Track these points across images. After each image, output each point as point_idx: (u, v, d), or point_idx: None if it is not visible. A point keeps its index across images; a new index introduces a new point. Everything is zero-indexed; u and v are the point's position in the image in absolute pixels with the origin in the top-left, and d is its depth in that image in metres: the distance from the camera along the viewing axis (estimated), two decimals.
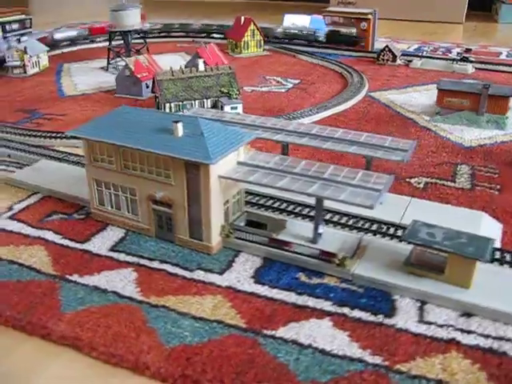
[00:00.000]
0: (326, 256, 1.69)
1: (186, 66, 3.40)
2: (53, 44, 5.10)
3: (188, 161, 1.69)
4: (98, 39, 5.46)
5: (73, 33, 5.40)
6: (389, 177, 1.73)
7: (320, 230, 1.78)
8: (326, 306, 1.57)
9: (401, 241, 1.74)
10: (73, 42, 5.39)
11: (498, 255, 1.79)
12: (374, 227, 1.92)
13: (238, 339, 1.45)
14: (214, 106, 3.13)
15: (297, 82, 4.05)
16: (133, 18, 4.17)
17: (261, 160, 1.85)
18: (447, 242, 1.59)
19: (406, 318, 1.53)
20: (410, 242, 1.63)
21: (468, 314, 1.55)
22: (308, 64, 4.68)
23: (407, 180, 2.38)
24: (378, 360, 1.38)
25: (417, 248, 1.65)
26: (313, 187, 1.66)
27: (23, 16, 5.42)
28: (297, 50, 5.06)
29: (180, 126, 1.76)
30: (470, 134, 2.98)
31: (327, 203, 1.75)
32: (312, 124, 2.48)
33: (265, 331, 1.48)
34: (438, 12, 7.26)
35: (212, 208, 1.75)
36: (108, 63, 4.49)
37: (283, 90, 3.81)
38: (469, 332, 1.49)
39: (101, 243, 1.91)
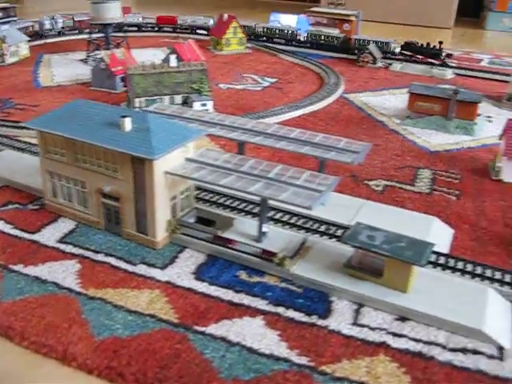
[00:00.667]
0: (267, 255, 1.69)
1: (163, 62, 3.40)
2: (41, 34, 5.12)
3: (133, 155, 1.69)
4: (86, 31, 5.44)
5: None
6: (334, 178, 1.74)
7: (264, 229, 1.78)
8: (262, 304, 1.57)
9: (341, 242, 1.74)
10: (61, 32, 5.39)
11: (442, 261, 1.79)
12: (323, 228, 1.92)
13: (168, 334, 1.45)
14: (185, 102, 3.13)
15: (274, 80, 4.05)
16: (113, 11, 4.16)
17: (210, 157, 1.85)
18: (386, 245, 1.59)
19: (340, 319, 1.54)
20: (348, 244, 1.63)
21: (403, 318, 1.56)
22: (288, 63, 4.68)
23: (366, 182, 2.38)
24: (303, 360, 1.38)
25: (359, 251, 1.65)
26: (255, 186, 1.66)
27: (7, 4, 5.39)
28: (279, 49, 5.05)
29: (127, 121, 1.76)
30: (438, 139, 2.99)
31: (279, 203, 1.75)
32: (271, 123, 2.48)
33: (196, 327, 1.48)
34: (428, 16, 7.28)
35: (157, 203, 1.75)
36: (87, 56, 4.48)
37: (259, 89, 3.81)
38: (400, 336, 1.49)
39: (50, 234, 1.91)
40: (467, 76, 4.52)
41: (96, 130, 1.81)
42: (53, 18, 5.36)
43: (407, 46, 4.77)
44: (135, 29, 5.65)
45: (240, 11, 6.90)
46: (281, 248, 1.73)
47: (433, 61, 4.61)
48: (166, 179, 1.75)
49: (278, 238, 1.81)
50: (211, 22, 5.54)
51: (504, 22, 7.35)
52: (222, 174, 1.74)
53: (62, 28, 5.43)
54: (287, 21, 6.01)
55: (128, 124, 1.76)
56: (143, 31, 5.68)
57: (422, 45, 4.75)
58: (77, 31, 5.46)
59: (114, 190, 1.82)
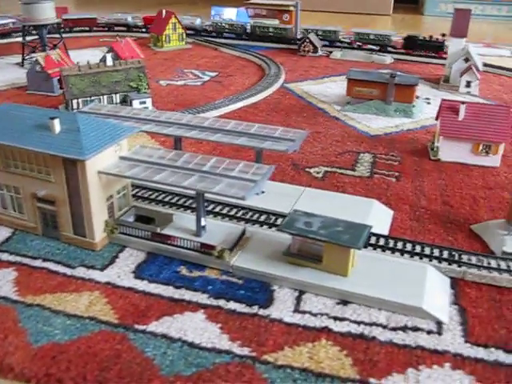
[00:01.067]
0: (206, 248, 1.68)
1: (100, 61, 3.34)
2: None
3: (63, 157, 1.66)
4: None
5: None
6: (268, 167, 1.74)
7: (203, 223, 1.77)
8: (203, 298, 1.56)
9: (278, 231, 1.74)
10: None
11: (382, 242, 1.81)
12: (263, 218, 1.92)
13: (108, 335, 1.43)
14: (123, 101, 3.09)
15: (214, 74, 4.03)
16: (46, 12, 4.06)
17: (144, 154, 1.83)
18: (323, 230, 1.60)
19: (281, 308, 1.54)
20: (285, 232, 1.63)
21: (344, 302, 1.57)
22: (229, 56, 4.67)
23: (307, 170, 2.39)
24: (245, 351, 1.38)
25: (297, 238, 1.66)
26: (189, 180, 1.65)
27: None
28: (220, 42, 5.03)
29: (56, 122, 1.72)
30: (378, 123, 3.03)
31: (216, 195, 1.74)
32: (207, 117, 2.47)
33: (136, 326, 1.46)
34: (367, 4, 7.37)
35: (93, 204, 1.72)
36: (23, 59, 4.37)
37: (199, 83, 3.79)
38: (342, 319, 1.50)
39: None
40: (406, 60, 4.59)
41: (26, 133, 1.76)
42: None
43: (409, 39, 4.73)
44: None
45: (182, 7, 6.85)
46: (220, 241, 1.73)
47: (435, 55, 4.58)
48: (99, 179, 1.72)
49: (218, 230, 1.80)
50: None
51: (441, 7, 7.50)
52: (156, 170, 1.72)
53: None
54: (228, 14, 6.00)
55: (57, 125, 1.72)
56: (84, 31, 5.57)
57: (424, 38, 4.69)
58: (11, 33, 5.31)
59: (48, 194, 1.78)
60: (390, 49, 4.78)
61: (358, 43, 4.86)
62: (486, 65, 4.19)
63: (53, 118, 1.72)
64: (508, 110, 2.50)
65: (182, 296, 1.57)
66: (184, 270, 1.69)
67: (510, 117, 2.48)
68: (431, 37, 4.68)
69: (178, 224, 1.85)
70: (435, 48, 4.62)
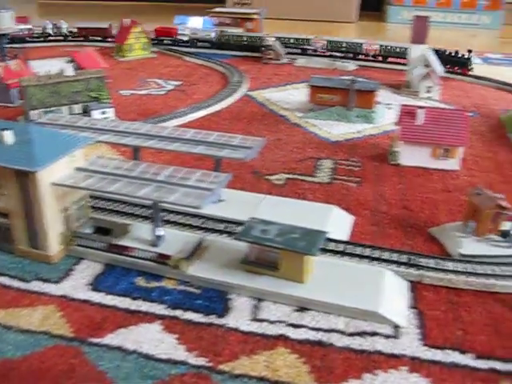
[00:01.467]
0: (163, 259, 1.66)
1: (60, 71, 3.30)
2: None
3: (15, 169, 1.63)
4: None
5: None
6: (225, 175, 1.73)
7: (160, 233, 1.75)
8: (160, 309, 1.55)
9: (234, 239, 1.73)
10: None
11: (341, 248, 1.82)
12: (221, 226, 1.91)
13: (62, 349, 1.41)
14: (84, 111, 3.05)
15: (178, 83, 4.02)
16: (5, 21, 4.00)
17: (100, 165, 1.81)
18: (279, 238, 1.60)
19: (238, 317, 1.53)
20: (242, 240, 1.63)
21: (303, 309, 1.57)
22: (193, 65, 4.65)
23: (267, 177, 2.39)
24: (202, 361, 1.37)
25: (254, 246, 1.65)
26: (145, 190, 1.63)
27: None
28: (184, 51, 5.01)
29: (8, 134, 1.69)
30: (339, 129, 3.05)
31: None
32: (166, 126, 2.46)
33: (91, 339, 1.44)
34: (332, 12, 7.43)
35: (47, 216, 1.70)
36: None
37: (162, 93, 3.77)
38: (300, 327, 1.50)
39: None
40: (369, 67, 4.63)
41: None
42: None
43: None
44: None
45: (145, 17, 6.82)
46: (177, 250, 1.71)
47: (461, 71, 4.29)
48: (53, 191, 1.69)
49: (175, 240, 1.78)
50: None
51: (403, 15, 7.62)
52: (111, 181, 1.70)
53: None
54: (194, 23, 5.99)
55: (9, 137, 1.69)
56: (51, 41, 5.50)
57: (450, 53, 4.37)
58: None
59: (1, 207, 1.75)
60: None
61: (322, 50, 4.88)
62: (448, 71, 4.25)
63: (4, 130, 1.69)
64: (465, 115, 2.53)
65: (139, 307, 1.56)
66: (141, 281, 1.67)
67: (467, 121, 2.51)
68: (457, 52, 4.41)
69: (135, 234, 1.83)
70: (461, 64, 4.36)
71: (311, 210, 2.04)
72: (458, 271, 1.71)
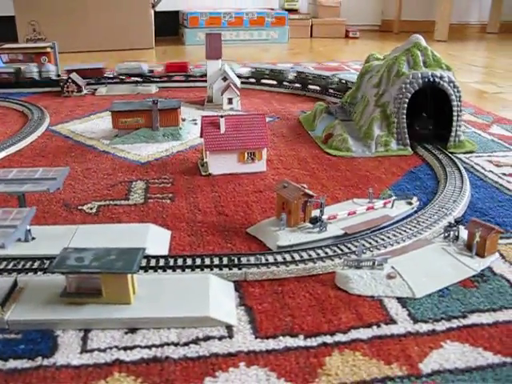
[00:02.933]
0: None
1: None
2: None
3: None
4: None
5: None
6: (29, 210, 1.65)
7: None
8: None
9: (47, 273, 1.64)
10: None
11: (162, 262, 1.80)
12: (36, 265, 1.81)
13: None
14: None
15: None
16: None
17: None
18: (96, 262, 1.55)
19: (67, 352, 1.45)
20: (56, 272, 1.55)
21: (133, 330, 1.53)
22: None
23: (79, 208, 2.31)
24: None
25: (71, 276, 1.58)
26: None
27: None
28: None
29: None
30: (148, 150, 3.05)
31: None
32: None
33: None
34: (129, 40, 7.43)
35: None
36: None
37: None
38: (132, 348, 1.46)
39: None
40: (171, 87, 4.70)
41: None
42: None
43: None
44: None
45: None
46: None
47: None
48: None
49: None
50: None
51: (200, 36, 7.88)
52: None
53: None
54: None
55: None
56: None
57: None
58: None
59: None
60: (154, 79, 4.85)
61: (121, 77, 4.86)
62: (244, 82, 4.46)
63: None
64: (263, 117, 2.65)
65: None
66: None
67: (265, 123, 2.63)
68: None
69: None
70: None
71: (127, 232, 2.01)
72: (278, 262, 1.78)
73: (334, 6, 8.96)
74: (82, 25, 7.17)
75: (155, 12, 7.74)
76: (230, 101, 3.82)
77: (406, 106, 2.94)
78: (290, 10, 8.76)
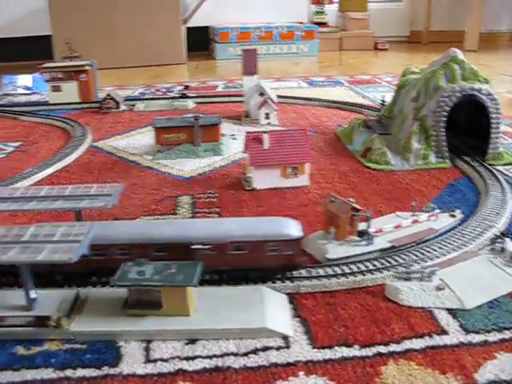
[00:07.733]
0: (41, 321, 1.61)
1: None
2: None
3: None
4: None
5: None
6: (90, 224, 1.71)
7: (33, 295, 1.69)
8: (47, 373, 1.48)
9: (111, 286, 1.71)
10: None
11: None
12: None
13: None
14: None
15: (17, 144, 3.87)
16: None
17: None
18: (157, 276, 1.61)
19: (131, 362, 1.51)
20: (119, 286, 1.62)
21: (193, 341, 1.59)
22: (31, 124, 4.49)
23: None
24: None
25: (133, 288, 1.64)
26: (9, 253, 1.57)
27: None
28: (18, 111, 4.84)
29: None
30: (190, 165, 3.12)
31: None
32: (17, 187, 2.37)
33: None
34: (161, 56, 7.57)
35: None
36: None
37: (3, 155, 3.61)
38: (194, 358, 1.52)
39: None
40: (207, 103, 4.79)
41: None
42: None
43: None
44: None
45: None
46: (55, 309, 1.66)
47: None
48: None
49: (49, 300, 1.72)
50: None
51: (230, 51, 8.00)
52: None
53: None
54: (23, 81, 5.83)
55: None
56: None
57: None
58: None
59: None
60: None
61: (159, 93, 4.97)
62: (279, 96, 4.51)
63: None
64: (305, 133, 2.71)
65: (24, 377, 1.48)
66: (21, 350, 1.59)
67: (307, 138, 2.69)
68: None
69: (5, 302, 1.75)
70: None
71: None
72: (329, 275, 1.83)
73: (362, 19, 9.00)
74: (115, 42, 7.34)
75: (186, 28, 7.89)
76: (267, 116, 3.88)
77: (445, 119, 2.96)
78: (319, 24, 8.82)
